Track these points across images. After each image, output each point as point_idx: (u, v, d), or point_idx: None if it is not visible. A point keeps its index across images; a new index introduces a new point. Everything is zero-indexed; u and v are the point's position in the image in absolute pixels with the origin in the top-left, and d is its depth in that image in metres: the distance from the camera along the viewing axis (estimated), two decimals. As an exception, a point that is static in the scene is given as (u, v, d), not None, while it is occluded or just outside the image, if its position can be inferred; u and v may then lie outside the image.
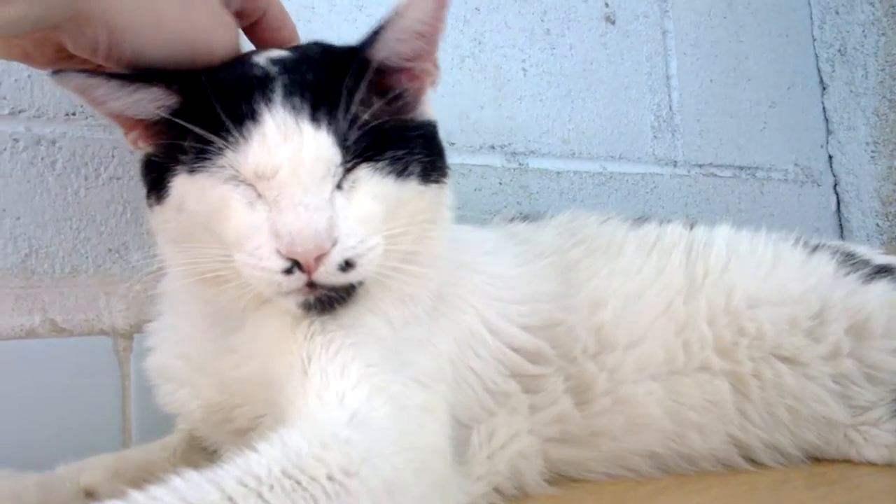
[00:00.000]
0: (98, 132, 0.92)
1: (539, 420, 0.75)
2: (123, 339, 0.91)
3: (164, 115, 0.63)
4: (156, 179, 0.66)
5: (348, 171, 0.62)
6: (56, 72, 0.62)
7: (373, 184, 0.63)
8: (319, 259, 0.59)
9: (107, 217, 0.91)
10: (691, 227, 0.91)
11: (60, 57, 0.64)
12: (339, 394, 0.60)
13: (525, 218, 0.92)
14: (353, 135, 0.62)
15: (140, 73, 0.63)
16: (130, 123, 0.66)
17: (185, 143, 0.63)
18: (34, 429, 0.84)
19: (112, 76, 0.62)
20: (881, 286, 0.86)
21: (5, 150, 0.87)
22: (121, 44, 0.61)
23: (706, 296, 0.83)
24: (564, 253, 0.84)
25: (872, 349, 0.83)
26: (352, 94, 0.62)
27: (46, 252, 0.88)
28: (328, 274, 0.60)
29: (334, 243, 0.59)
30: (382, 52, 0.65)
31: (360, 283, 0.63)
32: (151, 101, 0.63)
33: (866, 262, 0.90)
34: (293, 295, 0.62)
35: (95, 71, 0.63)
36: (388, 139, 0.64)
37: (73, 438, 0.85)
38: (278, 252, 0.59)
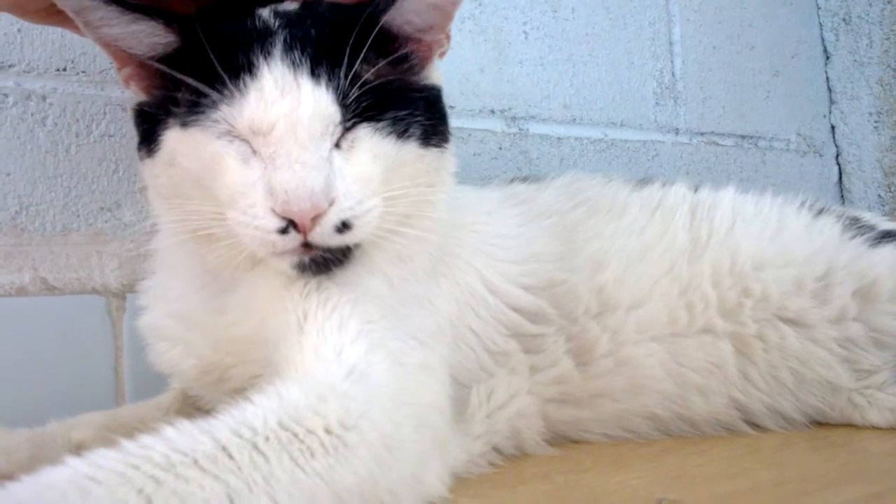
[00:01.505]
0: (90, 88, 0.89)
1: (539, 380, 0.74)
2: (116, 298, 0.89)
3: (158, 53, 0.61)
4: (147, 131, 0.64)
5: (348, 129, 0.60)
6: None
7: (372, 143, 0.61)
8: (315, 219, 0.58)
9: (99, 175, 0.90)
10: (696, 189, 0.90)
11: (53, 7, 0.62)
12: (337, 349, 0.59)
13: (525, 179, 0.91)
14: (354, 93, 0.60)
15: (142, 5, 0.61)
16: (123, 57, 0.64)
17: (179, 95, 0.61)
18: (25, 387, 0.83)
19: (113, 1, 0.60)
20: (888, 250, 0.85)
21: (-6, 105, 0.85)
22: None
23: (710, 257, 0.82)
24: (566, 213, 0.82)
25: (879, 313, 0.82)
26: (355, 53, 0.60)
27: (37, 209, 0.86)
28: (324, 235, 0.59)
29: (331, 203, 0.58)
30: (395, 21, 0.63)
31: (357, 246, 0.62)
32: (148, 36, 0.61)
33: (872, 227, 0.89)
34: (287, 255, 0.60)
35: None
36: (390, 99, 0.62)
37: (66, 398, 0.84)
38: (273, 211, 0.57)
